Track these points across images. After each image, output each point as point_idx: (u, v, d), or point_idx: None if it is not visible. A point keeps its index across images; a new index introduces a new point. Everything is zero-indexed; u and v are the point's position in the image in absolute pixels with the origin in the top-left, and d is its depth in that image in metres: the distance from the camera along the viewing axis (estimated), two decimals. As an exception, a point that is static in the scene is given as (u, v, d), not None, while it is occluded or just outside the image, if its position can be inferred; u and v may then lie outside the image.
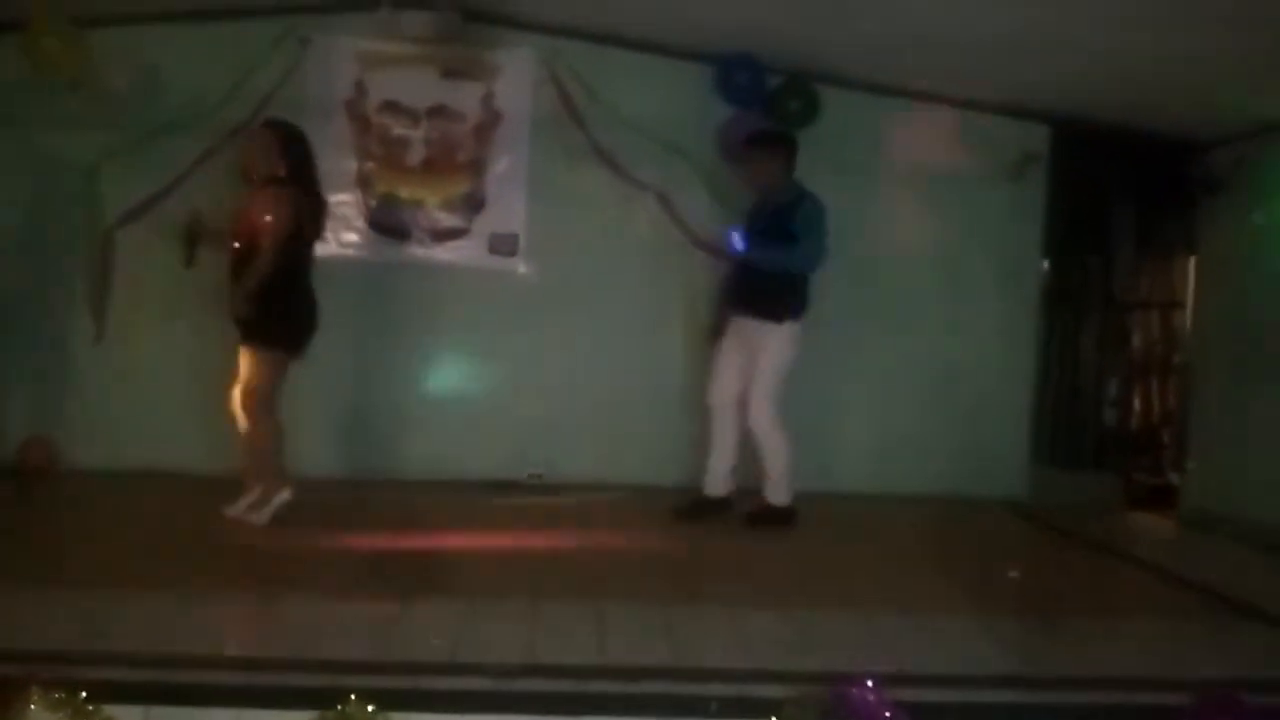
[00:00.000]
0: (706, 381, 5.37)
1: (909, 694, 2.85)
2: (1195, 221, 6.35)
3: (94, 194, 5.68)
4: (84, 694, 2.68)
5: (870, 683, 2.79)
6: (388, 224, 6.02)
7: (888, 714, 2.74)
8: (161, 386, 5.77)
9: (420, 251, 6.05)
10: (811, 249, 5.12)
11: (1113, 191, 6.35)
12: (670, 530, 5.14)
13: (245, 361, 4.73)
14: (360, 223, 5.99)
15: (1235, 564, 5.07)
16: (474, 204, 6.07)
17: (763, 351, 5.12)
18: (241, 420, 4.79)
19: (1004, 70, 5.62)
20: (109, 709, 2.68)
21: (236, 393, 4.76)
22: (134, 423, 5.76)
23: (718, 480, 5.33)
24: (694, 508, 5.30)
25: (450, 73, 6.02)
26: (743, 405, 5.21)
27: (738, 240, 5.12)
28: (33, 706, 2.67)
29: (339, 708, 2.69)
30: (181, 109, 5.57)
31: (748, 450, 5.28)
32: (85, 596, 3.53)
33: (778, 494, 5.22)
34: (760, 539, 5.02)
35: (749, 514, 5.22)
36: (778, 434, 5.17)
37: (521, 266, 6.09)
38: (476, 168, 6.07)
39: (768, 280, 5.13)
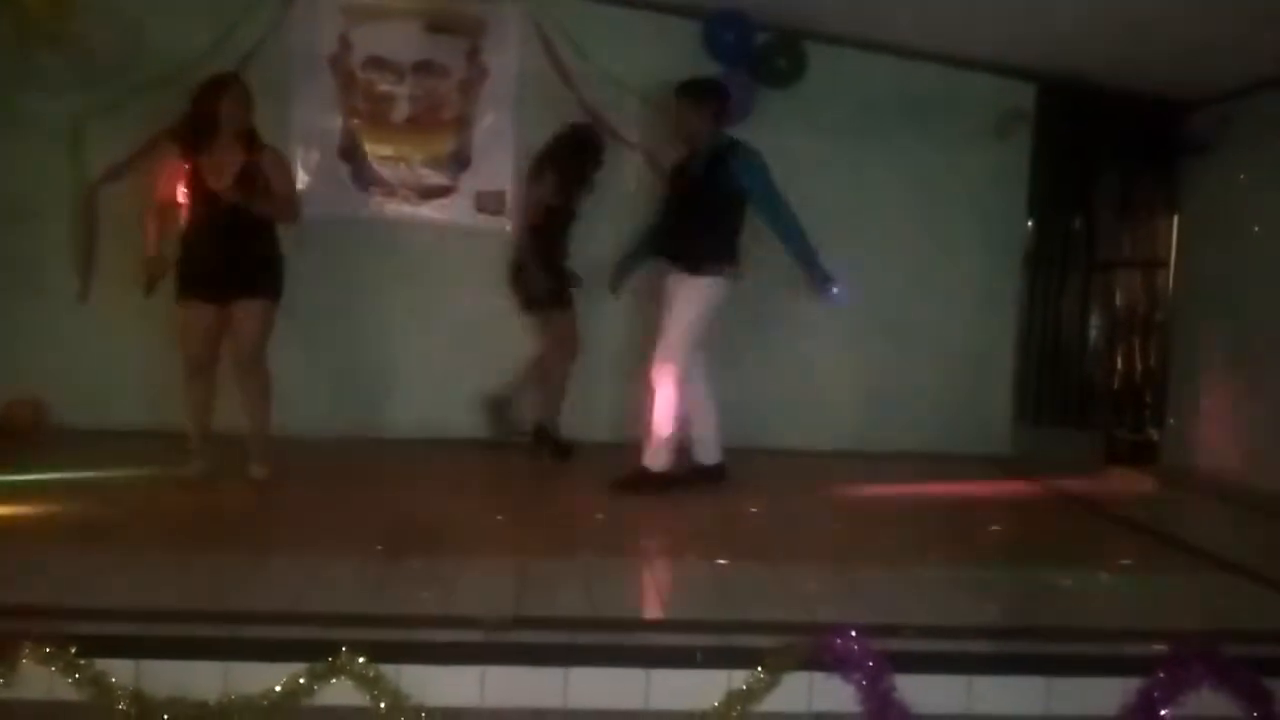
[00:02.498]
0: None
1: (890, 644, 2.90)
2: (1178, 181, 6.37)
3: (77, 151, 5.63)
4: (75, 649, 2.71)
5: (853, 633, 2.84)
6: (371, 181, 5.99)
7: (871, 663, 2.79)
8: (147, 345, 5.75)
9: (406, 209, 6.01)
10: (786, 205, 4.89)
11: (1097, 150, 6.35)
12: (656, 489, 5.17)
13: (252, 316, 4.71)
14: (344, 180, 5.95)
15: (1211, 518, 5.15)
16: (460, 161, 6.03)
17: (678, 302, 4.91)
18: (249, 375, 4.79)
19: (991, 27, 5.59)
20: (100, 663, 2.72)
21: (243, 352, 4.73)
22: (120, 382, 5.75)
23: (709, 448, 5.18)
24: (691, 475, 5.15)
25: (436, 27, 5.96)
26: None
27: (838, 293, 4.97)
28: (25, 661, 2.70)
29: (330, 660, 2.73)
30: (164, 65, 5.50)
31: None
32: (76, 553, 3.55)
33: (655, 458, 4.93)
34: (743, 496, 5.03)
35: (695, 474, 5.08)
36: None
37: (508, 224, 6.06)
38: (462, 124, 6.02)
39: (702, 232, 4.93)
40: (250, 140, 4.72)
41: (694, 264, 4.90)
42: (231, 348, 4.77)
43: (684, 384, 4.90)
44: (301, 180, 5.63)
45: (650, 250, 5.29)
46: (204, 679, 2.73)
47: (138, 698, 2.69)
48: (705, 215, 4.95)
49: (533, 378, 5.86)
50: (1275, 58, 5.22)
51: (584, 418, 6.00)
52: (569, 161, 5.62)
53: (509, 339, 6.05)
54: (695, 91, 5.08)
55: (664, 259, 5.13)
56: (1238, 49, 5.21)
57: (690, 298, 4.88)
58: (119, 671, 2.71)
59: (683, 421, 5.03)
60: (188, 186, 4.67)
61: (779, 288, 5.69)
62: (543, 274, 5.61)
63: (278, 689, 2.70)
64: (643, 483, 4.90)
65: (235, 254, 4.67)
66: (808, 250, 4.91)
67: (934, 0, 5.30)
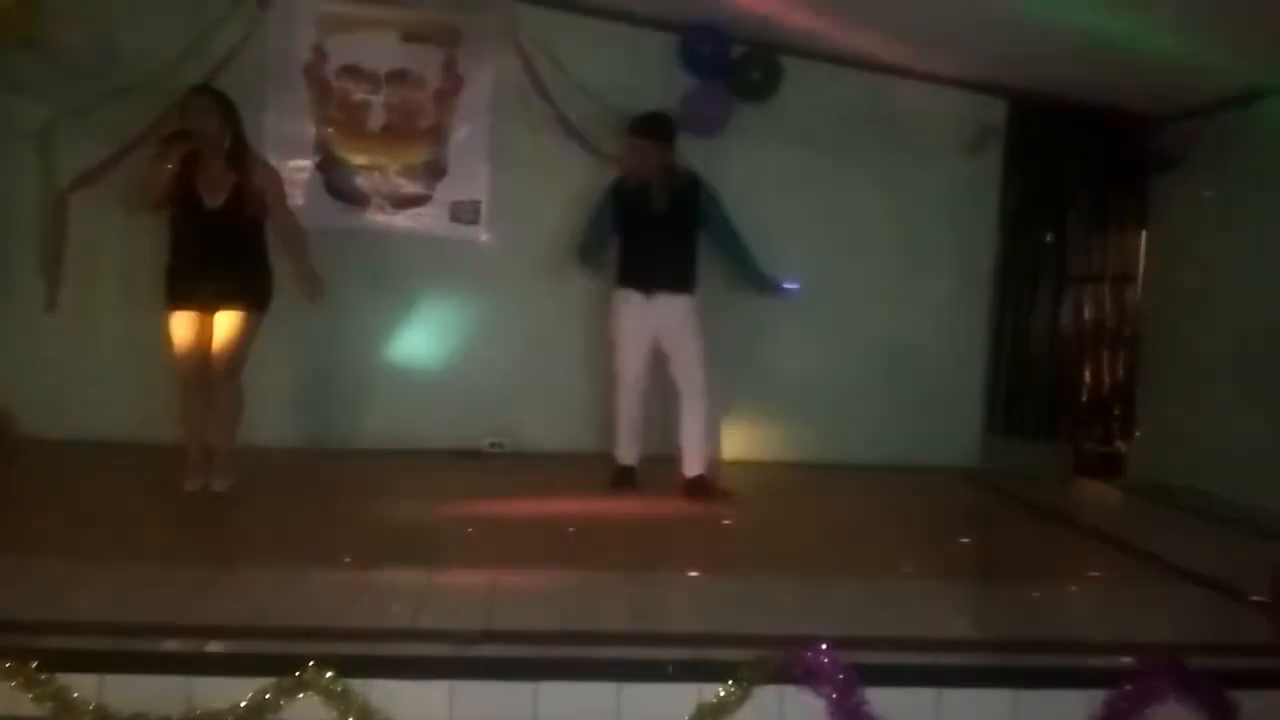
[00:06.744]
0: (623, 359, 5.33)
1: (861, 656, 2.91)
2: (1148, 196, 6.44)
3: (47, 158, 5.59)
4: (36, 663, 2.67)
5: (824, 645, 2.85)
6: (346, 190, 5.97)
7: (841, 676, 2.80)
8: (117, 355, 5.70)
9: (380, 218, 6.00)
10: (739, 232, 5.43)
11: (1068, 165, 6.41)
12: (625, 498, 5.18)
13: (235, 326, 4.70)
14: (319, 189, 5.92)
15: (1177, 530, 5.18)
16: (435, 171, 6.02)
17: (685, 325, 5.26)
18: (223, 386, 4.75)
19: (964, 44, 5.64)
20: (62, 678, 2.68)
21: (221, 359, 4.70)
22: (89, 392, 5.69)
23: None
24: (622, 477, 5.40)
25: (411, 37, 5.95)
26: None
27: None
28: (-15, 675, 2.67)
29: (297, 674, 2.71)
30: (137, 71, 5.47)
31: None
32: (39, 565, 3.50)
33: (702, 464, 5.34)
34: (715, 508, 5.04)
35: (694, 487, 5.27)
36: None
37: (483, 235, 6.06)
38: (438, 134, 6.01)
39: (687, 255, 5.32)
40: (239, 153, 4.71)
41: (682, 285, 5.24)
42: (211, 357, 4.73)
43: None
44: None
45: (627, 279, 5.28)
46: (169, 694, 2.70)
47: (101, 713, 2.66)
48: (684, 242, 5.30)
49: None
50: (1240, 76, 5.30)
51: (555, 429, 6.04)
52: None
53: (482, 347, 6.06)
54: (659, 132, 5.23)
55: (642, 285, 5.20)
56: (1206, 67, 5.28)
57: (691, 318, 5.24)
58: (82, 686, 2.68)
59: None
60: (179, 198, 4.65)
61: (742, 301, 5.72)
62: None
63: (244, 704, 2.67)
64: (709, 488, 5.26)
65: (222, 263, 4.67)
66: (760, 269, 5.48)
67: (904, 19, 5.33)
